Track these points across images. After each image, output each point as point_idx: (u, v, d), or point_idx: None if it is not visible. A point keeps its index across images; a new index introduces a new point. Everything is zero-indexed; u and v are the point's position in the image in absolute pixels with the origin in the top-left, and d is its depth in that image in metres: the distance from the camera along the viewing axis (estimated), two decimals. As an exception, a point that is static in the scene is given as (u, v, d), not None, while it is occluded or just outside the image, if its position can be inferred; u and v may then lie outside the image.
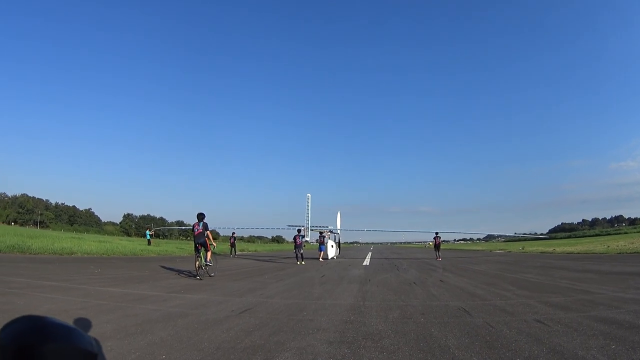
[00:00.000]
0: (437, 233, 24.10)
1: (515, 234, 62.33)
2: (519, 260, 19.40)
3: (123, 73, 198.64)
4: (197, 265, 9.85)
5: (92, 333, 0.72)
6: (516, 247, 43.54)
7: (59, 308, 5.14)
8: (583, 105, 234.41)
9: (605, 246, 26.80)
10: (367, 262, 20.47)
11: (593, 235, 74.48)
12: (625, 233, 61.34)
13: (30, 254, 14.15)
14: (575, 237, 78.03)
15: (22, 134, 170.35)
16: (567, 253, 25.13)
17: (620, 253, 20.70)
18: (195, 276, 9.80)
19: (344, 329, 4.43)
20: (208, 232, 10.40)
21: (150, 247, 25.79)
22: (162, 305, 5.69)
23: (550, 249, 30.96)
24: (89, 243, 21.32)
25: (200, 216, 10.37)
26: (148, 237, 32.89)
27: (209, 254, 10.31)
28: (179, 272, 11.08)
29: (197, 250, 10.13)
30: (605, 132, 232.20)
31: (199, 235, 10.21)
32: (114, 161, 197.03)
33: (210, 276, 10.22)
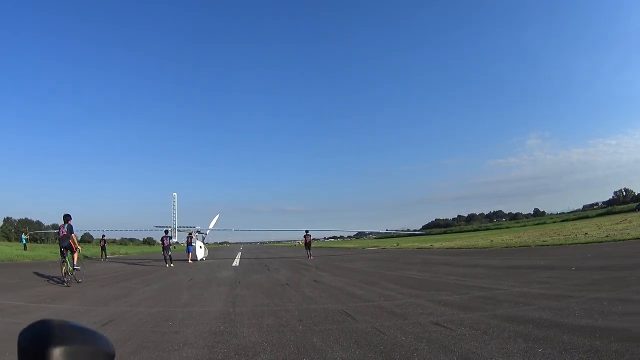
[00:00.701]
0: (307, 231, 23.76)
1: (387, 230, 60.23)
2: (396, 257, 19.24)
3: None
4: (63, 271, 9.66)
5: None
6: (389, 243, 42.08)
7: None
8: (455, 100, 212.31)
9: (489, 240, 26.55)
10: (236, 262, 20.35)
11: (471, 230, 73.80)
12: (508, 227, 62.65)
13: None
14: (452, 232, 76.95)
15: None
16: (447, 248, 24.18)
17: (507, 247, 19.76)
18: (63, 282, 9.55)
19: (213, 342, 4.09)
20: (73, 234, 10.08)
21: (25, 252, 24.64)
22: (22, 318, 5.30)
23: (427, 245, 30.01)
24: None
25: (66, 217, 10.03)
26: (24, 241, 30.10)
27: (75, 257, 10.03)
28: (50, 278, 10.86)
29: (62, 254, 9.78)
30: (482, 130, 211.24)
31: (63, 238, 9.99)
32: None
33: (78, 282, 9.98)
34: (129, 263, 21.13)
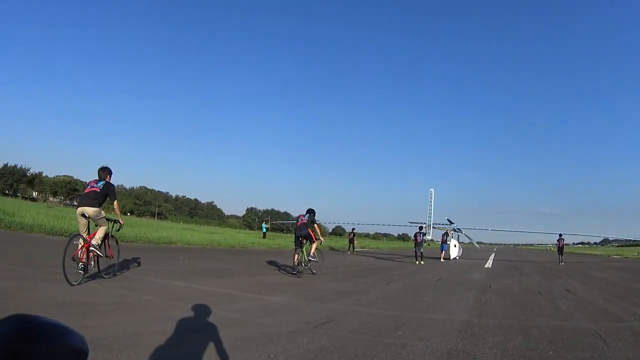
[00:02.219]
0: (560, 235, 22.37)
1: (628, 238, 59.52)
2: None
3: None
4: (295, 260, 9.12)
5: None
6: (630, 252, 42.40)
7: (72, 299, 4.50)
8: None
9: None
10: (489, 264, 19.70)
11: None
12: None
13: (122, 242, 14.81)
14: None
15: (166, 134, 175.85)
16: None
17: None
18: (294, 273, 9.15)
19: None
20: (316, 225, 9.71)
21: (263, 240, 25.62)
22: (218, 309, 4.48)
23: None
24: (196, 234, 20.96)
25: (310, 210, 9.76)
26: (264, 229, 33.56)
27: (313, 247, 9.49)
28: (281, 267, 10.64)
29: (298, 243, 9.36)
30: None
31: (301, 227, 9.54)
32: (239, 155, 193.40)
33: (312, 273, 9.43)
34: (376, 257, 20.91)
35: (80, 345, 0.59)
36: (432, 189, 28.72)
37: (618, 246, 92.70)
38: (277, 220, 61.98)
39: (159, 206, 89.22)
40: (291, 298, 6.04)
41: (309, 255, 9.37)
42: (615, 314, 5.95)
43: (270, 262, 11.97)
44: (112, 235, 6.26)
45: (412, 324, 4.64)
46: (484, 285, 9.46)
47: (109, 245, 6.13)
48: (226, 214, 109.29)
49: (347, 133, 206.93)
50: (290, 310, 5.14)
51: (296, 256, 9.13)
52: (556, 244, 23.23)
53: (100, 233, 5.81)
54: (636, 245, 54.78)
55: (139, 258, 8.31)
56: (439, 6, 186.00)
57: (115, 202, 6.12)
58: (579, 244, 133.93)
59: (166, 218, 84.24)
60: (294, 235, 10.01)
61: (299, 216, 9.90)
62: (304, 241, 9.35)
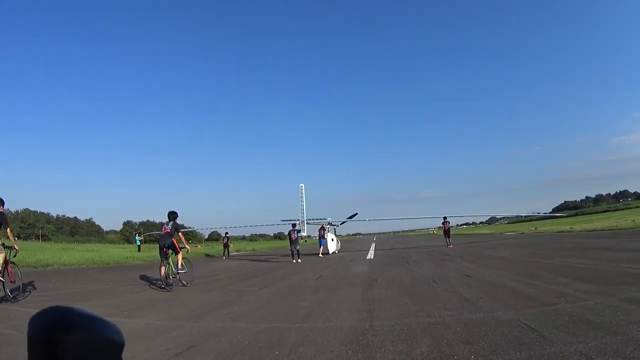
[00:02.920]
0: (445, 218, 22.03)
1: (518, 215, 62.07)
2: (541, 242, 17.54)
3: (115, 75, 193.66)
4: (163, 274, 8.33)
5: None
6: (526, 227, 41.17)
7: None
8: (579, 79, 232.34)
9: (630, 221, 25.07)
10: (371, 254, 18.49)
11: (602, 212, 71.91)
12: (637, 207, 58.67)
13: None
14: (583, 214, 74.53)
15: (21, 148, 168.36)
16: (590, 230, 22.99)
17: None
18: (164, 287, 8.28)
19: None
20: (180, 233, 9.03)
21: (138, 254, 24.57)
22: None
23: (567, 227, 28.96)
24: (74, 253, 20.42)
25: (171, 215, 8.95)
26: (138, 242, 31.71)
27: (179, 258, 8.80)
28: (153, 282, 9.58)
29: (164, 254, 8.61)
30: (604, 105, 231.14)
31: (164, 236, 8.76)
32: (111, 167, 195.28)
33: (184, 285, 8.79)
34: (252, 260, 20.23)
35: (116, 337, 0.60)
36: (302, 184, 27.03)
37: (508, 223, 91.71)
38: (152, 232, 58.01)
39: (41, 228, 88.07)
40: (154, 319, 5.31)
41: (176, 266, 8.72)
42: (536, 297, 5.11)
43: (142, 277, 10.85)
44: (11, 261, 6.75)
45: (291, 339, 3.90)
46: (370, 279, 8.58)
47: (10, 271, 6.66)
48: (105, 230, 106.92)
49: (207, 135, 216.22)
50: (151, 334, 4.41)
51: (163, 269, 8.43)
52: (441, 227, 22.90)
53: None
54: (528, 221, 53.84)
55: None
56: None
57: (9, 229, 6.63)
58: (463, 225, 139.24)
59: (49, 239, 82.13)
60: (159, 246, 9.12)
61: (163, 224, 9.06)
62: (169, 252, 8.67)
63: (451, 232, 21.63)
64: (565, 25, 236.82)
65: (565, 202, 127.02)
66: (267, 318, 5.02)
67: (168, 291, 8.02)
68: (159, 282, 8.81)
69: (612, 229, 21.79)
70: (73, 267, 15.28)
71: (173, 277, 8.53)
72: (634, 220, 24.86)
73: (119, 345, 0.59)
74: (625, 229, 20.91)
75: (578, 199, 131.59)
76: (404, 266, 11.25)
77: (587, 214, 73.51)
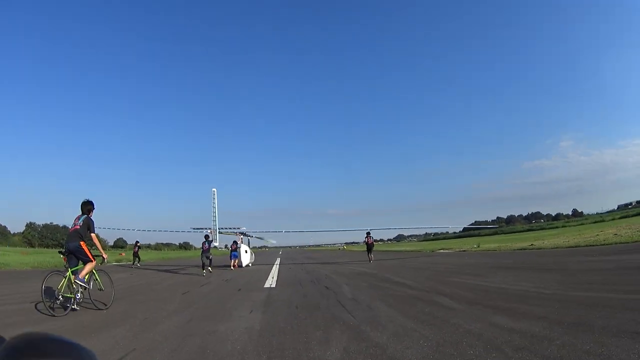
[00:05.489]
0: (369, 232, 20.32)
1: (426, 233, 60.68)
2: (514, 262, 13.69)
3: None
4: (59, 288, 6.04)
5: None
6: (468, 244, 36.52)
7: None
8: (493, 106, 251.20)
9: (595, 235, 22.95)
10: (272, 281, 11.46)
11: (524, 231, 72.44)
12: (564, 227, 58.66)
13: None
14: (503, 233, 77.14)
15: None
16: (553, 248, 19.62)
17: (624, 243, 16.35)
18: (52, 307, 5.86)
19: None
20: (93, 234, 6.56)
21: (26, 259, 22.61)
22: None
23: (527, 244, 24.17)
24: None
25: (85, 206, 6.62)
26: None
27: (86, 268, 6.34)
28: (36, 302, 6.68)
29: (67, 259, 6.34)
30: (517, 132, 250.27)
31: (72, 235, 6.39)
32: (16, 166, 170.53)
33: (98, 309, 6.40)
34: (159, 270, 19.25)
35: None
36: (214, 189, 25.02)
37: (421, 240, 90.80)
38: (56, 235, 52.65)
39: None
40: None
41: (78, 279, 6.20)
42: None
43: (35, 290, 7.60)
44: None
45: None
46: (291, 300, 7.10)
47: None
48: (12, 232, 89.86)
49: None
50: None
51: (61, 281, 6.07)
52: (364, 242, 20.83)
53: None
54: (444, 239, 51.81)
55: None
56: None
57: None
58: (378, 241, 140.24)
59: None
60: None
61: (74, 219, 6.64)
62: (73, 258, 6.36)
63: (356, 249, 21.13)
64: (480, 57, 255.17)
65: (475, 221, 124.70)
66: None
67: (53, 316, 5.67)
68: (45, 301, 5.99)
69: (578, 246, 18.77)
70: None
71: (72, 293, 6.08)
72: (597, 235, 23.20)
73: None
74: (585, 246, 18.08)
75: (489, 219, 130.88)
76: (341, 313, 5.55)
77: (509, 233, 73.67)
